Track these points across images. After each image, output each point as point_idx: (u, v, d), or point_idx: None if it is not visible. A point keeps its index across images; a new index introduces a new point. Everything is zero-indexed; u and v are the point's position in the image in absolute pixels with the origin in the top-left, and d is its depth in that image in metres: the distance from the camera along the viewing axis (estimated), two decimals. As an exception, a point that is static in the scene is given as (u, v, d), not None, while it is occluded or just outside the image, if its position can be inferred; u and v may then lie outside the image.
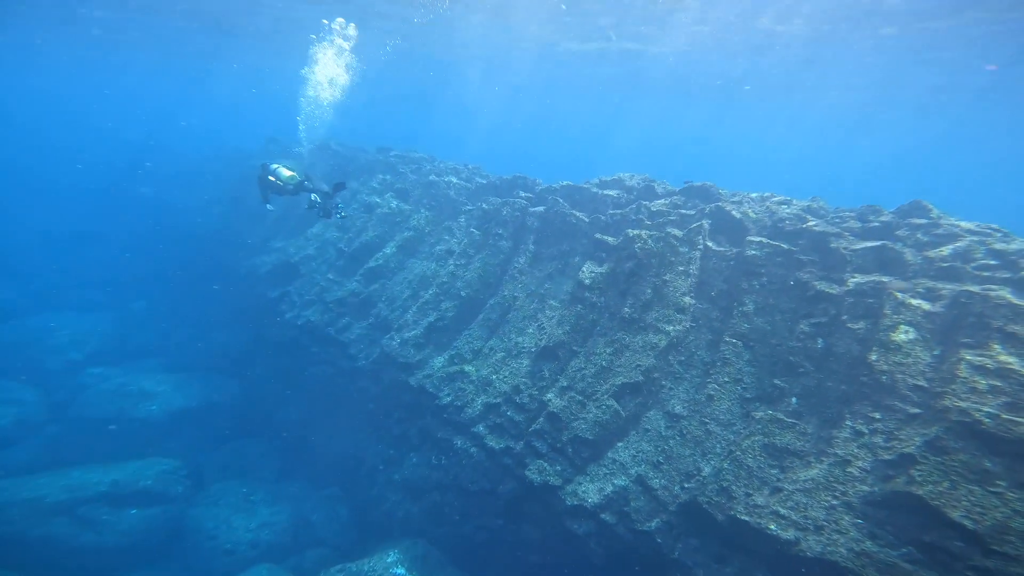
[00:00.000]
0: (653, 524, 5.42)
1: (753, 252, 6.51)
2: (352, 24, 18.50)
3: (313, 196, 8.52)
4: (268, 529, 8.96)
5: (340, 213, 8.74)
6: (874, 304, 5.69)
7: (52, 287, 18.32)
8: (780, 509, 4.91)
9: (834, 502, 4.85)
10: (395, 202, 12.20)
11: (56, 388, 12.49)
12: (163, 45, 30.21)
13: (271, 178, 8.51)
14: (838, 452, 5.07)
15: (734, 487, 5.15)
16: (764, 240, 6.73)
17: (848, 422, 5.18)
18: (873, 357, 5.33)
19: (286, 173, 8.51)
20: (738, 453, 5.32)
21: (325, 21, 18.67)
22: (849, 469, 4.94)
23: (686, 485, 5.47)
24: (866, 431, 5.04)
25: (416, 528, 8.47)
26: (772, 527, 4.86)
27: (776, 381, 5.81)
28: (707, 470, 5.46)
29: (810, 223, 6.86)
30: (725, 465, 5.29)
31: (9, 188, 26.90)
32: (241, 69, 37.55)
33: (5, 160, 31.53)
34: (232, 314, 15.25)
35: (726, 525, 5.05)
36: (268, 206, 8.95)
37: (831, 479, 4.96)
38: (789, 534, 4.79)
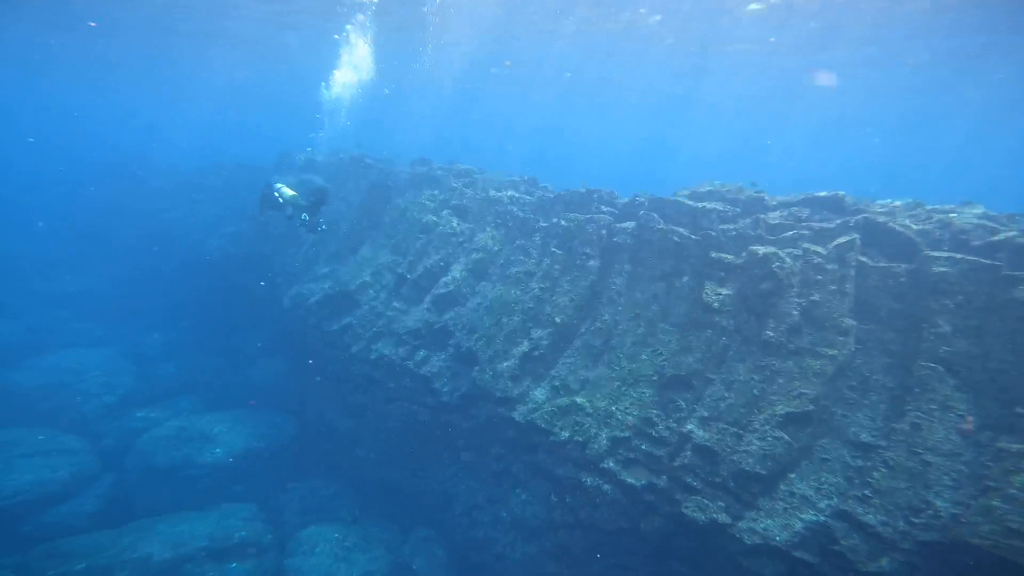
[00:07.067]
0: (884, 563, 5.15)
1: (942, 269, 6.18)
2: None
3: (303, 215, 9.27)
4: (374, 581, 8.52)
5: (322, 226, 9.71)
6: None
7: (46, 321, 16.97)
8: None
9: None
10: (455, 220, 11.67)
11: (101, 434, 11.74)
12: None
13: (276, 195, 9.37)
14: None
15: (1025, 528, 4.81)
16: (955, 255, 6.35)
17: None
18: None
19: (288, 193, 9.31)
20: (1012, 490, 5.00)
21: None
22: None
23: (914, 520, 5.22)
24: None
25: (537, 570, 8.14)
26: None
27: (1019, 410, 5.52)
28: (943, 504, 5.21)
29: (1010, 233, 6.54)
30: (994, 503, 4.98)
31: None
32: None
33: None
34: (272, 346, 14.51)
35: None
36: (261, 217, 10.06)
37: None
38: None
